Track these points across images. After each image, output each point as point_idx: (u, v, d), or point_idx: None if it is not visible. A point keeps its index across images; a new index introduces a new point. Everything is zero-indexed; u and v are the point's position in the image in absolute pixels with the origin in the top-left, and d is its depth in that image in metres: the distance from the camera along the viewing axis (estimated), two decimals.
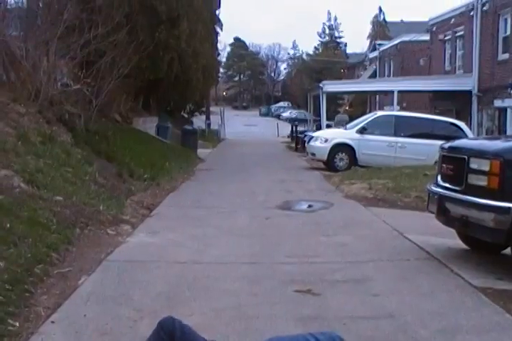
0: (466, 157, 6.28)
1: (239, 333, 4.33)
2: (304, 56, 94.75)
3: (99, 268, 6.01)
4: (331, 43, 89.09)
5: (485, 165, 5.98)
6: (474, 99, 25.55)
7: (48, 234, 6.53)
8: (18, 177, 7.81)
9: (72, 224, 7.26)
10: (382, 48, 45.76)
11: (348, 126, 20.14)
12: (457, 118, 22.60)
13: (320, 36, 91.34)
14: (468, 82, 25.71)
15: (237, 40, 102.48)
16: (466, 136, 16.12)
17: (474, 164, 6.15)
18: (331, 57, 76.75)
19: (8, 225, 6.16)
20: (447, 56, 30.72)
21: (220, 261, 6.53)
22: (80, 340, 4.15)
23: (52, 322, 4.49)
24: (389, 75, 42.09)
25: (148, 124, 22.43)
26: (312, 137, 20.20)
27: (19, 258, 5.48)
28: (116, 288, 5.37)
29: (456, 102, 27.24)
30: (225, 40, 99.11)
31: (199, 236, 7.79)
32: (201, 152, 24.15)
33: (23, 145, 9.29)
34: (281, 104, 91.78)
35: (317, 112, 32.45)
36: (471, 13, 25.65)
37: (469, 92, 25.67)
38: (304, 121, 43.80)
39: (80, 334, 4.25)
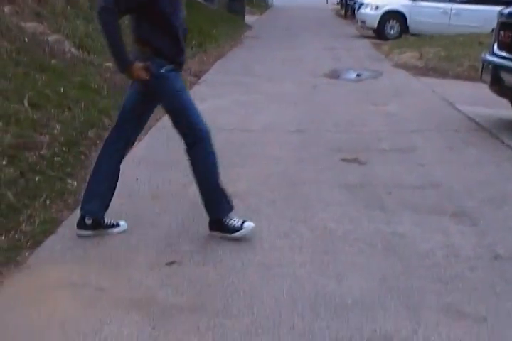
0: None
1: (285, 198, 4.43)
2: None
3: (149, 134, 6.09)
4: None
5: None
6: None
7: (100, 99, 6.62)
8: (69, 41, 7.81)
9: (122, 89, 7.31)
10: None
11: None
12: None
13: None
14: None
15: None
16: None
17: None
18: None
19: (61, 89, 6.25)
20: None
21: (268, 128, 6.59)
22: (133, 202, 4.32)
23: None
24: None
25: None
26: (362, 4, 19.46)
27: (73, 122, 5.61)
28: (166, 153, 5.47)
29: None
30: None
31: (247, 103, 7.81)
32: (248, 19, 23.58)
33: (72, 9, 9.19)
34: None
35: None
36: None
37: None
38: None
39: (132, 197, 4.42)
